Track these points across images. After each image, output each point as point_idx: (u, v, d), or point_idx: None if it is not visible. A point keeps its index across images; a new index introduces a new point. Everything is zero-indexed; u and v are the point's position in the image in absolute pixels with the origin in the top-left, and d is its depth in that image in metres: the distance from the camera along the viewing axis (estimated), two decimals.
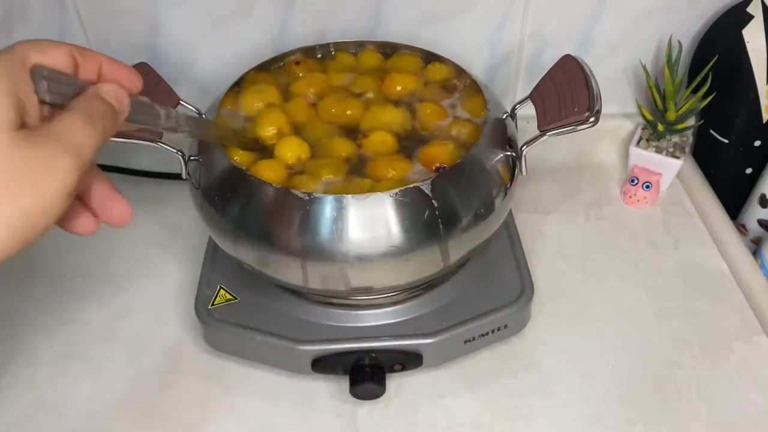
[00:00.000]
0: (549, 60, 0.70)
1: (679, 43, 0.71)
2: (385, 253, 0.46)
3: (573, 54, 0.54)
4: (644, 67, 0.72)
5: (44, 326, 0.61)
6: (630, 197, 0.73)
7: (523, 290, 0.56)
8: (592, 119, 0.48)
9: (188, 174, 0.54)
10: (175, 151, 0.53)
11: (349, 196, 0.46)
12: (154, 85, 0.55)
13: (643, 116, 0.73)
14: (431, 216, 0.47)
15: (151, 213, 0.72)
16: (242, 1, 0.69)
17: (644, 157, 0.73)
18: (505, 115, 0.56)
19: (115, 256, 0.68)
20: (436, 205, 0.47)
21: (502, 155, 0.52)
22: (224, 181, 0.50)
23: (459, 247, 0.49)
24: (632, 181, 0.72)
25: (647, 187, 0.72)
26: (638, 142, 0.74)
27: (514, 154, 0.53)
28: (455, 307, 0.55)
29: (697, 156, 0.77)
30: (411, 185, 0.46)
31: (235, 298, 0.56)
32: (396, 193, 0.46)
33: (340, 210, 0.46)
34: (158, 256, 0.68)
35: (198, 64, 0.73)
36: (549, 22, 0.71)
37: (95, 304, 0.63)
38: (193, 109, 0.57)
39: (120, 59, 0.35)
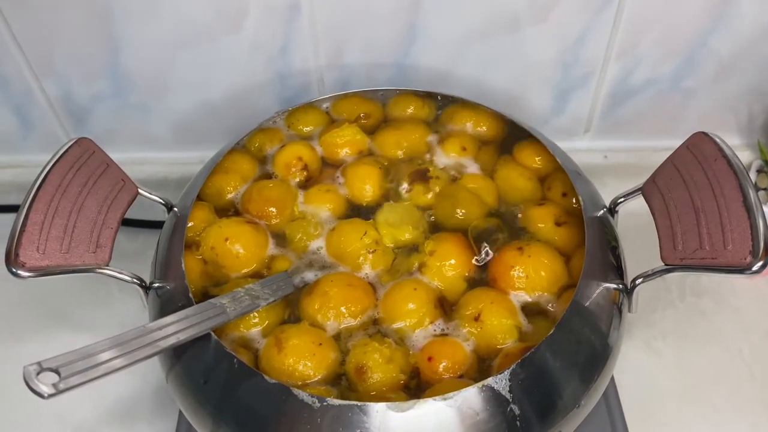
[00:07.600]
0: (640, 82, 0.56)
1: None
2: None
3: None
4: None
5: None
6: None
7: None
8: (757, 266, 0.31)
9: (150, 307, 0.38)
10: (130, 279, 0.37)
11: (383, 404, 0.30)
12: (100, 174, 0.38)
13: (766, 163, 0.55)
14: (510, 428, 0.31)
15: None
16: (230, 8, 0.50)
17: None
18: (602, 211, 0.39)
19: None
20: (517, 412, 0.30)
21: (604, 291, 0.35)
22: (200, 349, 0.34)
23: None
24: None
25: None
26: None
27: (621, 285, 0.36)
28: None
29: None
30: (478, 384, 0.30)
31: None
32: (454, 399, 0.30)
33: (367, 425, 0.30)
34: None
35: (172, 91, 0.56)
36: (648, 35, 0.52)
37: None
38: (158, 199, 0.41)
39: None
